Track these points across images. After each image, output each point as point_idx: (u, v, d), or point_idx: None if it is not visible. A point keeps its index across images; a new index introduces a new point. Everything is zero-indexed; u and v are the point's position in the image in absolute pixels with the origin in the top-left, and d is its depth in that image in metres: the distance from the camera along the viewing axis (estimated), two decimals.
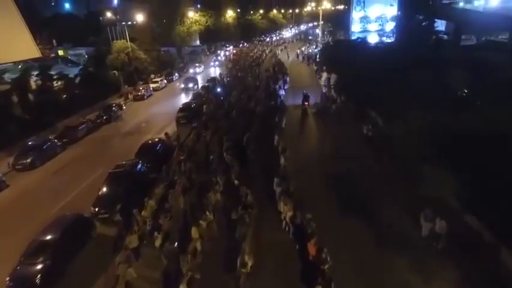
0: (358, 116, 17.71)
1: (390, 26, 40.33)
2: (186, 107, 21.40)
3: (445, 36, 34.04)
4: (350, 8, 40.71)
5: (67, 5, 68.61)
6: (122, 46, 31.63)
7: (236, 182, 10.84)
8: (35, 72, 24.32)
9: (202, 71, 41.26)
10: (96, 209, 11.17)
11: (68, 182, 14.31)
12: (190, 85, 31.14)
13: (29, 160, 16.10)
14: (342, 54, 25.29)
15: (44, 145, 17.42)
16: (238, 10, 73.86)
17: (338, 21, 66.37)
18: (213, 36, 61.22)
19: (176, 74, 38.05)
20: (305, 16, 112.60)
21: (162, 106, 26.64)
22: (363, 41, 31.22)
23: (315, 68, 34.75)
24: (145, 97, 28.96)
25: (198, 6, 61.39)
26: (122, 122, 23.09)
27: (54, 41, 53.55)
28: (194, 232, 8.32)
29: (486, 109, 11.67)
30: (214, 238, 8.88)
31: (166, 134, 17.15)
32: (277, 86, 23.93)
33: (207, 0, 64.91)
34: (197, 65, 42.74)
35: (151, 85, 31.64)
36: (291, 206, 9.50)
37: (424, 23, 22.50)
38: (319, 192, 11.36)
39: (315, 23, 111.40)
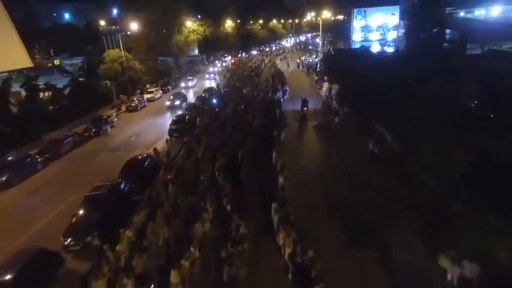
0: (362, 129, 16.45)
1: (392, 35, 39.59)
2: (179, 119, 20.17)
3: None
4: (351, 17, 40.01)
5: (66, 15, 68.71)
6: (116, 55, 30.66)
7: (228, 208, 9.45)
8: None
9: (195, 85, 38.81)
10: (68, 240, 9.76)
11: (44, 204, 12.90)
12: (177, 102, 27.68)
13: (4, 178, 14.71)
14: (344, 63, 24.22)
15: (23, 161, 16.09)
16: (238, 21, 73.76)
17: (338, 31, 66.13)
18: (212, 46, 60.70)
19: (173, 84, 37.04)
20: (304, 26, 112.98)
21: (155, 118, 25.45)
22: (365, 50, 30.19)
23: (315, 78, 33.76)
24: (138, 108, 27.76)
25: (199, 16, 61.11)
26: (111, 135, 21.81)
27: (51, 51, 53.11)
28: (174, 277, 6.89)
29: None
30: (197, 282, 7.44)
31: (154, 149, 15.79)
32: (276, 97, 22.79)
33: (207, 10, 64.75)
34: (189, 78, 40.11)
35: (146, 96, 30.54)
36: (291, 240, 8.11)
37: (435, 30, 21.54)
38: (322, 220, 9.96)
39: (315, 33, 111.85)
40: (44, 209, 12.48)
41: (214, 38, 58.55)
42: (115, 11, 62.93)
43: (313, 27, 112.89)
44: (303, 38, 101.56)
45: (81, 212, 10.50)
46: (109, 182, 11.87)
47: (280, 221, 9.01)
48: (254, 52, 65.90)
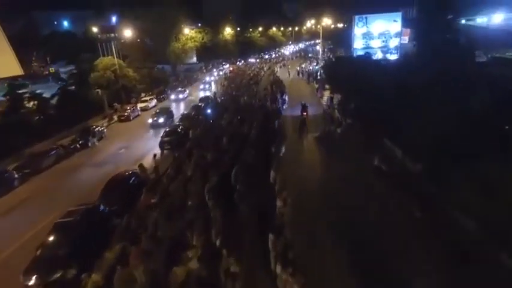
0: (367, 143, 15.13)
1: (394, 42, 38.62)
2: (172, 130, 18.82)
3: None
4: (352, 24, 39.11)
5: (65, 23, 68.25)
6: (109, 63, 29.52)
7: (218, 243, 8.03)
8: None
9: (187, 97, 35.50)
10: (31, 278, 8.28)
11: (14, 229, 11.47)
12: (161, 120, 23.63)
13: None
14: (346, 71, 23.05)
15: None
16: (238, 29, 73.40)
17: (338, 38, 65.46)
18: (210, 54, 59.96)
19: (169, 92, 35.75)
20: (304, 34, 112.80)
21: (148, 128, 24.13)
22: (369, 57, 29.09)
23: (316, 86, 32.67)
24: (131, 118, 26.41)
25: (199, 24, 60.64)
26: (99, 148, 20.49)
27: (48, 59, 52.32)
28: None
29: None
30: None
31: (140, 165, 14.32)
32: (275, 107, 21.56)
33: (207, 17, 64.43)
34: (180, 89, 36.62)
35: (139, 105, 29.19)
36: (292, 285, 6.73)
37: (448, 36, 20.54)
38: (327, 254, 8.55)
39: (315, 41, 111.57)
40: (14, 233, 11.06)
41: (213, 46, 57.82)
42: (114, 19, 63.02)
43: (312, 34, 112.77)
44: (302, 45, 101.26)
45: (48, 242, 9.06)
46: (84, 206, 10.46)
47: (277, 256, 7.64)
48: (252, 60, 64.56)
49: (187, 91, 37.16)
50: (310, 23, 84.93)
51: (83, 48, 39.89)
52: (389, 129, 14.58)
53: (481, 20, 48.57)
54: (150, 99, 30.55)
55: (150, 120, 24.54)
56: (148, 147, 19.34)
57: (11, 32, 25.33)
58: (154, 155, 15.10)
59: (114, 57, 29.48)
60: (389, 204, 10.13)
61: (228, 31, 64.03)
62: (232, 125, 18.07)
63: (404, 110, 15.09)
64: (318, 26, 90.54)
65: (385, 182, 11.63)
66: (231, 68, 48.95)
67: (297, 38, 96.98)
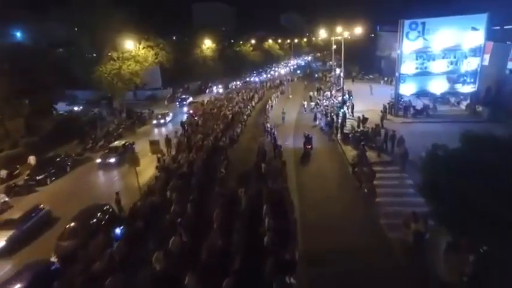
0: None
1: (471, 64, 22.69)
2: None
3: None
4: (401, 35, 22.86)
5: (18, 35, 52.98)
6: None
7: None
8: None
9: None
10: None
11: None
12: None
13: None
14: None
15: None
16: (232, 40, 58.75)
17: (353, 54, 49.82)
18: (182, 75, 43.88)
19: (69, 162, 18.35)
20: (305, 46, 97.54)
21: None
22: None
23: (353, 157, 16.08)
24: None
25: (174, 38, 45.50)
26: None
27: None
28: None
29: None
30: None
31: None
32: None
33: (197, 30, 50.03)
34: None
35: None
36: None
37: None
38: None
39: (316, 54, 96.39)
40: None
41: (185, 65, 41.83)
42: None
43: (314, 47, 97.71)
44: (302, 61, 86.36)
45: None
46: None
47: None
48: (219, 90, 44.87)
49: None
50: (317, 35, 69.63)
51: None
52: None
53: None
54: None
55: None
56: None
57: None
58: None
59: None
60: None
61: (208, 44, 48.09)
62: None
63: None
64: (319, 38, 75.65)
65: None
66: (191, 110, 28.29)
67: (296, 51, 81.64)
